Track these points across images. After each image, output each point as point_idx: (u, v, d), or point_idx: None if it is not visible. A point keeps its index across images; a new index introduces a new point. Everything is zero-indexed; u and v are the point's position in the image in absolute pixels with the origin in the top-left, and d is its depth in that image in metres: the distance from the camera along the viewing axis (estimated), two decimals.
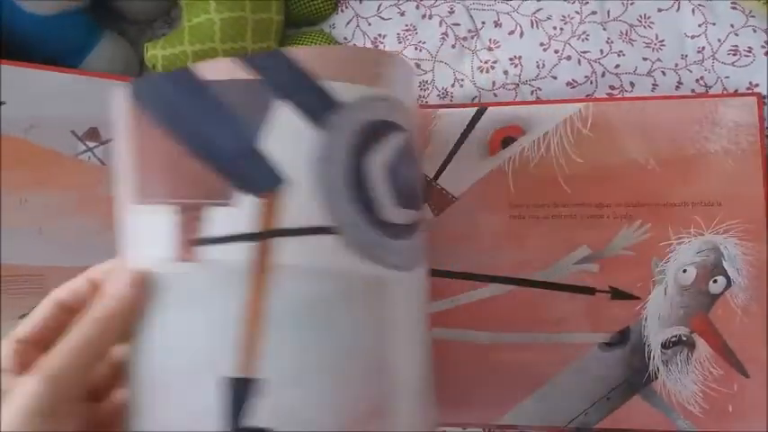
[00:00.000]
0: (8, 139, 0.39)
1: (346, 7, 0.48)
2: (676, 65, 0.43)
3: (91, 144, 0.41)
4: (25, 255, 0.39)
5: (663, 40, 0.44)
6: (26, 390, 0.24)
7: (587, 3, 0.45)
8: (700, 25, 0.43)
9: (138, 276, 0.28)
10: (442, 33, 0.46)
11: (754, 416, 0.38)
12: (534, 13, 0.45)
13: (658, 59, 0.43)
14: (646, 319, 0.39)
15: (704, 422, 0.38)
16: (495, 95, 0.44)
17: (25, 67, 0.39)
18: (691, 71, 0.43)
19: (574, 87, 0.44)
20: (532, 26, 0.45)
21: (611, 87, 0.43)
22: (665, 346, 0.39)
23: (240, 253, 0.28)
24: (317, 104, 0.29)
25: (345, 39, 0.47)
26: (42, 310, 0.28)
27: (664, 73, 0.43)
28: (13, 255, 0.39)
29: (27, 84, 0.39)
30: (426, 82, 0.45)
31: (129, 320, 0.27)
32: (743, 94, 0.39)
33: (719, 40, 0.43)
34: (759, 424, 0.38)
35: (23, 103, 0.39)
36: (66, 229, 0.40)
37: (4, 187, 0.39)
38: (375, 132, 0.30)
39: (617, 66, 0.44)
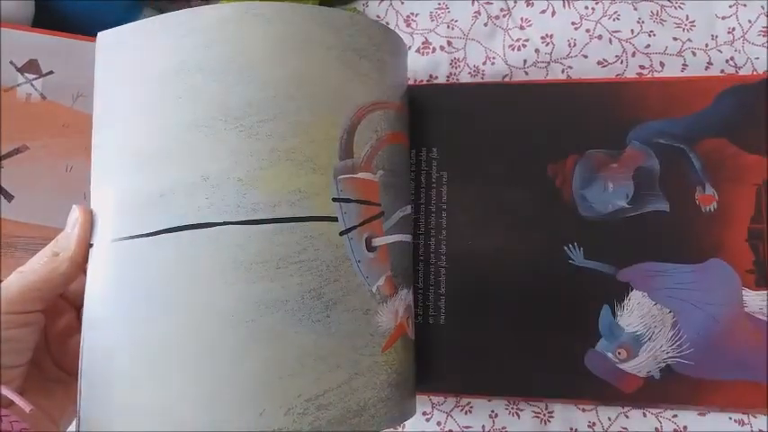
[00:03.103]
0: (56, 107, 0.41)
1: None
2: (706, 45, 0.44)
3: None
4: None
5: (693, 21, 0.44)
6: None
7: None
8: (731, 6, 0.44)
9: (87, 215, 0.33)
10: (475, 12, 0.47)
11: None
12: None
13: (689, 40, 0.44)
14: None
15: None
16: (527, 73, 0.45)
17: (72, 39, 0.41)
18: (721, 51, 0.43)
19: (604, 66, 0.44)
20: (564, 5, 0.46)
21: (642, 67, 0.44)
22: None
23: None
24: None
25: (378, 17, 0.48)
26: None
27: (694, 53, 0.44)
28: (60, 220, 0.40)
29: (74, 55, 0.41)
30: (458, 60, 0.46)
31: (78, 259, 0.32)
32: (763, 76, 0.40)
33: (750, 21, 0.43)
34: None
35: (71, 73, 0.41)
36: None
37: (51, 154, 0.41)
38: None
39: (647, 46, 0.44)
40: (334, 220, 0.32)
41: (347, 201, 0.33)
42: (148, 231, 0.31)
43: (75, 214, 0.32)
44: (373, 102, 0.35)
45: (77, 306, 0.35)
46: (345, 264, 0.33)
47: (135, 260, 0.31)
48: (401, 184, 0.37)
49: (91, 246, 0.32)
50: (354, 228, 0.33)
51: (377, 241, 0.34)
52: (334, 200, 0.32)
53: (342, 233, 0.33)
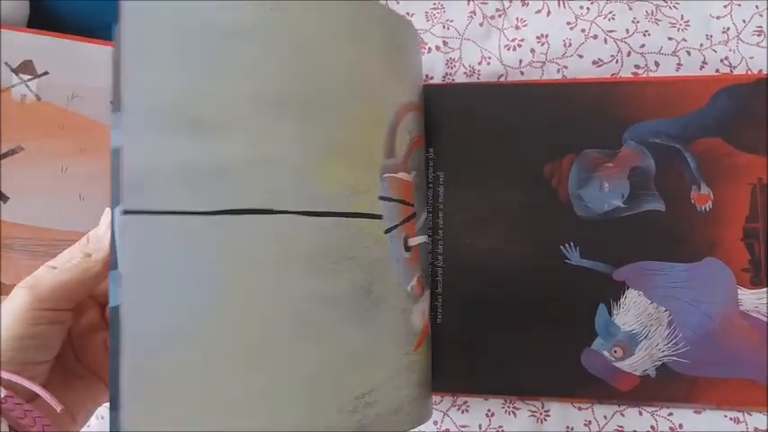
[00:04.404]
0: (51, 108, 0.41)
1: None
2: (701, 45, 0.44)
3: None
4: (67, 221, 0.40)
5: (688, 21, 0.44)
6: (13, 295, 0.30)
7: None
8: (725, 6, 0.44)
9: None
10: (470, 12, 0.47)
11: None
12: None
13: (683, 39, 0.44)
14: None
15: None
16: (522, 73, 0.45)
17: (68, 39, 0.41)
18: (715, 51, 0.44)
19: (599, 66, 0.44)
20: (559, 5, 0.46)
21: (637, 67, 0.44)
22: None
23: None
24: None
25: None
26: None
27: (689, 53, 0.44)
28: (55, 221, 0.40)
29: (69, 55, 0.41)
30: (454, 60, 0.46)
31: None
32: (763, 76, 0.40)
33: (744, 21, 0.44)
34: None
35: (66, 73, 0.41)
36: (105, 196, 0.41)
37: (46, 155, 0.40)
38: None
39: (642, 45, 0.44)
40: (380, 218, 0.32)
41: (389, 200, 0.33)
42: (206, 210, 0.28)
43: (110, 216, 0.31)
44: (408, 102, 0.35)
45: (102, 303, 0.35)
46: (388, 263, 0.33)
47: (188, 239, 0.27)
48: (424, 186, 0.38)
49: (128, 213, 0.27)
50: (395, 227, 0.33)
51: (412, 241, 0.35)
52: (380, 198, 0.32)
53: (385, 232, 0.33)
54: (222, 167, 0.28)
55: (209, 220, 0.28)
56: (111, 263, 0.27)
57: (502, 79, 0.46)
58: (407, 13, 0.48)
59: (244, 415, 0.28)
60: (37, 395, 0.29)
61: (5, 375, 0.28)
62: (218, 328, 0.28)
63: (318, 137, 0.30)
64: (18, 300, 0.30)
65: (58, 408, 0.29)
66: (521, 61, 0.46)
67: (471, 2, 0.47)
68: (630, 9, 0.45)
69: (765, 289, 0.38)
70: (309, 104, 0.30)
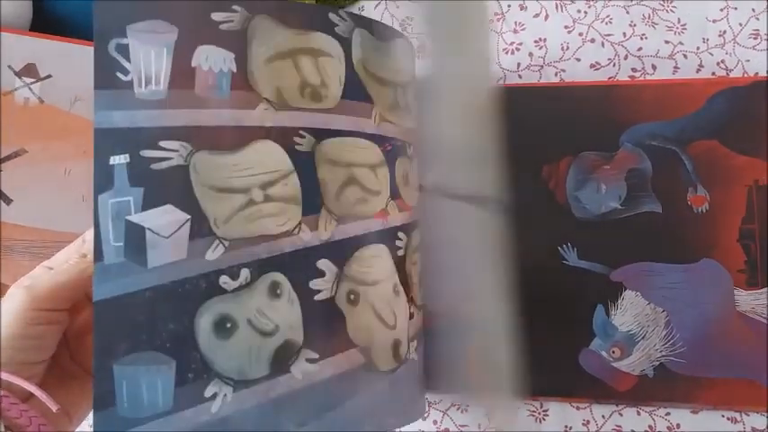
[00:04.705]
0: (53, 110, 0.41)
1: None
2: (698, 48, 0.44)
3: None
4: (70, 222, 0.41)
5: (684, 24, 0.45)
6: (10, 296, 0.30)
7: None
8: (721, 9, 0.44)
9: None
10: None
11: None
12: None
13: (680, 43, 0.44)
14: None
15: None
16: (520, 77, 0.46)
17: (70, 43, 0.41)
18: (712, 54, 0.44)
19: (597, 69, 0.45)
20: (557, 9, 0.46)
21: (634, 70, 0.45)
22: None
23: None
24: None
25: None
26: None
27: (685, 56, 0.44)
28: (58, 223, 0.41)
29: (72, 59, 0.41)
30: None
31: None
32: (759, 79, 0.40)
33: (741, 24, 0.44)
34: None
35: (68, 77, 0.41)
36: None
37: (49, 158, 0.41)
38: None
39: (639, 48, 0.45)
40: None
41: None
42: (469, 194, 0.32)
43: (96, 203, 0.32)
44: None
45: None
46: None
47: (465, 221, 0.31)
48: None
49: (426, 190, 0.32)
50: None
51: None
52: None
53: None
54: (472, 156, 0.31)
55: (461, 206, 0.31)
56: (95, 254, 0.28)
57: (500, 83, 0.46)
58: (407, 18, 0.48)
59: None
60: (32, 395, 0.29)
61: (2, 375, 0.28)
62: (491, 312, 0.31)
63: None
64: (15, 300, 0.30)
65: (54, 407, 0.29)
66: (519, 65, 0.46)
67: None
68: (628, 13, 0.45)
69: (762, 290, 0.38)
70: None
